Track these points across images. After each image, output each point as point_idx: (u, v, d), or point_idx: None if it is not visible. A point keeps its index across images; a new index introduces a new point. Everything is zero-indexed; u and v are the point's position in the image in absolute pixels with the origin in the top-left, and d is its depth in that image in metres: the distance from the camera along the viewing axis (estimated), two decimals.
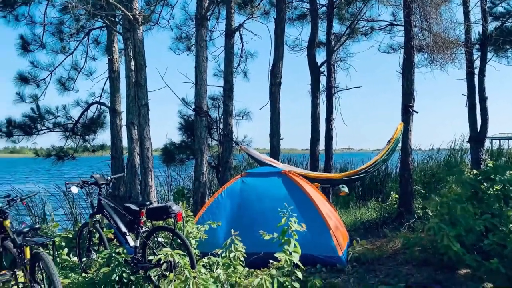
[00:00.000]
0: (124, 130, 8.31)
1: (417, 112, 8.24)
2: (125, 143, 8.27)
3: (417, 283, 4.71)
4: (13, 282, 4.42)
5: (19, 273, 4.36)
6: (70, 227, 8.33)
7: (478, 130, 10.60)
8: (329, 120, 9.98)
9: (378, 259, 5.71)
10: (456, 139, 12.78)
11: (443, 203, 5.10)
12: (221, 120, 9.01)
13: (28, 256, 4.13)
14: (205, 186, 7.50)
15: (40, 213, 9.55)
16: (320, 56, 14.22)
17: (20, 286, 4.34)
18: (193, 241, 5.24)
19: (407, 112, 8.16)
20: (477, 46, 10.95)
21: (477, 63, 10.73)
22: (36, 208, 9.56)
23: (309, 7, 10.70)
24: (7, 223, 4.45)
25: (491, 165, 5.37)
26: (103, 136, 9.63)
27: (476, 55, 10.83)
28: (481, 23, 10.43)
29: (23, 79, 8.80)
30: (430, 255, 5.27)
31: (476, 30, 10.82)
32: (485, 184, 5.31)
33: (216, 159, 9.31)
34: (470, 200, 5.12)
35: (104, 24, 8.47)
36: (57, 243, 5.98)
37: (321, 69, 10.04)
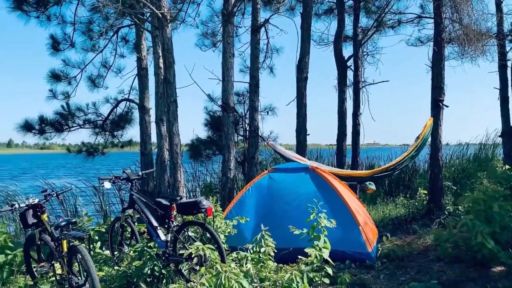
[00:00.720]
0: (152, 126, 8.45)
1: (447, 107, 8.06)
2: (153, 139, 8.41)
3: (450, 280, 4.63)
4: (51, 274, 4.58)
5: (57, 265, 4.51)
6: (101, 222, 8.56)
7: (511, 124, 10.31)
8: (356, 115, 9.90)
9: (408, 255, 5.63)
10: (488, 133, 12.46)
11: (477, 200, 4.99)
12: (247, 116, 9.04)
13: (65, 249, 4.27)
14: (233, 182, 7.56)
15: (72, 207, 9.82)
16: (347, 51, 14.06)
17: (57, 278, 4.50)
18: (222, 236, 5.29)
19: (437, 106, 7.99)
20: (509, 37, 10.63)
21: (509, 55, 10.46)
22: (68, 203, 9.83)
23: (335, 1, 10.59)
24: (45, 217, 4.62)
25: None
26: (131, 132, 9.81)
27: (509, 47, 10.57)
28: None
29: (55, 76, 9.03)
30: (462, 252, 5.16)
31: (509, 21, 10.51)
32: None
33: (242, 155, 9.35)
34: (506, 196, 4.99)
35: (132, 22, 8.61)
36: None
37: (348, 64, 9.95)
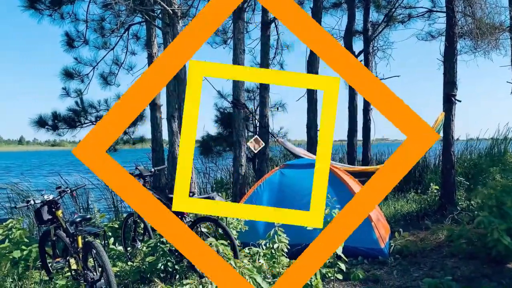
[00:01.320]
0: (163, 123, 8.48)
1: (459, 101, 7.98)
2: (164, 136, 8.43)
3: (464, 276, 4.60)
4: (66, 269, 4.64)
5: (72, 261, 4.57)
6: (113, 218, 8.62)
7: None
8: (366, 110, 9.86)
9: (421, 251, 5.60)
10: (499, 128, 12.30)
11: (491, 195, 4.94)
12: (257, 112, 9.04)
13: (80, 244, 4.32)
14: (244, 178, 7.58)
15: (84, 203, 9.90)
16: (357, 45, 13.98)
17: (73, 273, 4.55)
18: (234, 232, 5.31)
19: (449, 101, 7.92)
20: None
21: None
22: (81, 199, 9.90)
23: None
24: (60, 213, 4.68)
25: None
26: (143, 129, 9.86)
27: None
28: None
29: (68, 74, 9.11)
30: (477, 248, 5.11)
31: None
32: None
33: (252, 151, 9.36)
34: None
35: (143, 19, 8.63)
36: None
37: (358, 59, 9.89)
